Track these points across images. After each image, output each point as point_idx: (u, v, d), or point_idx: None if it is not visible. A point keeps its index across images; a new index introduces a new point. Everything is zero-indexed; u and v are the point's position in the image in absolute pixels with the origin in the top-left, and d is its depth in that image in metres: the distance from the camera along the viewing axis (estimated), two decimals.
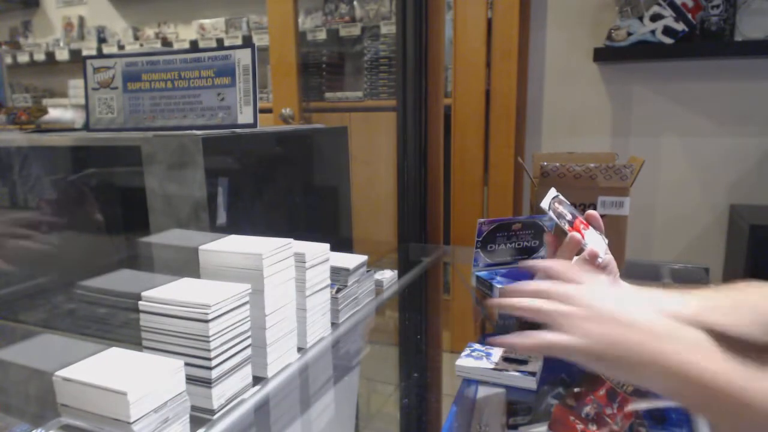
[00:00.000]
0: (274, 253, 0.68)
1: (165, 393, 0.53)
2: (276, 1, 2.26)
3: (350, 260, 0.89)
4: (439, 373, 0.84)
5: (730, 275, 1.74)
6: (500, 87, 1.97)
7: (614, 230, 1.17)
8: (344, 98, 2.51)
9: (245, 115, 0.98)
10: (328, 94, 2.54)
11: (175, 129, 0.99)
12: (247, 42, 2.75)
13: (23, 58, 3.40)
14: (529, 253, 0.98)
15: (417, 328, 1.03)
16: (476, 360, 0.73)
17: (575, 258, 0.66)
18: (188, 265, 0.72)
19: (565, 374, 0.70)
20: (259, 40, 2.66)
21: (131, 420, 0.49)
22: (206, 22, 2.94)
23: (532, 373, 0.69)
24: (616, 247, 1.17)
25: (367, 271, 0.95)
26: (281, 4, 2.24)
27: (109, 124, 1.07)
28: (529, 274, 0.62)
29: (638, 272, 1.24)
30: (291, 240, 0.71)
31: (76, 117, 1.34)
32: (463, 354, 0.75)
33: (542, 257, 0.96)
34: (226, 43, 2.80)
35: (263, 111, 1.05)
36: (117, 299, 0.77)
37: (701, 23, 1.75)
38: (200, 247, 0.71)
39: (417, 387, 0.77)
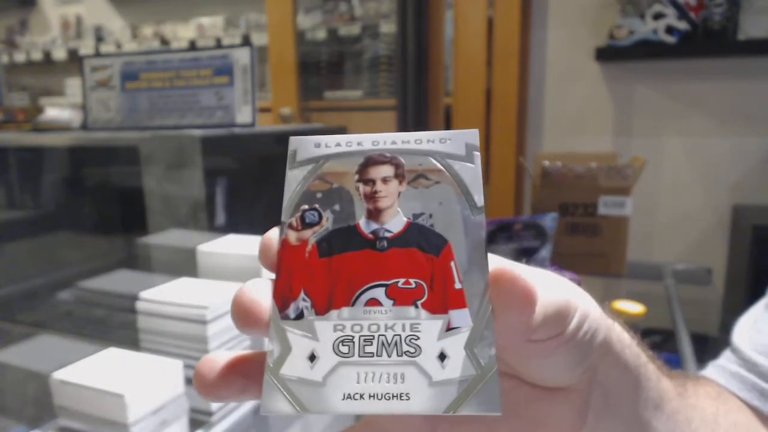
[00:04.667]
0: None
1: (163, 394, 0.52)
2: None
3: None
4: None
5: (733, 276, 1.73)
6: (501, 86, 1.96)
7: (616, 230, 1.17)
8: (344, 97, 2.50)
9: (244, 115, 0.97)
10: (327, 93, 2.53)
11: (173, 128, 0.98)
12: (246, 41, 2.74)
13: (20, 56, 3.39)
14: (531, 253, 0.97)
15: None
16: None
17: None
18: (186, 264, 0.71)
19: None
20: (258, 39, 2.65)
21: (128, 422, 0.48)
22: (205, 21, 2.93)
23: None
24: (618, 247, 1.17)
25: None
26: (280, 2, 2.23)
27: (107, 123, 1.06)
28: None
29: (640, 272, 1.23)
30: None
31: (73, 116, 1.33)
32: None
33: (544, 258, 0.96)
34: (225, 42, 2.79)
35: (262, 110, 1.04)
36: (114, 300, 0.77)
37: (703, 22, 1.74)
38: (198, 247, 0.70)
39: None
